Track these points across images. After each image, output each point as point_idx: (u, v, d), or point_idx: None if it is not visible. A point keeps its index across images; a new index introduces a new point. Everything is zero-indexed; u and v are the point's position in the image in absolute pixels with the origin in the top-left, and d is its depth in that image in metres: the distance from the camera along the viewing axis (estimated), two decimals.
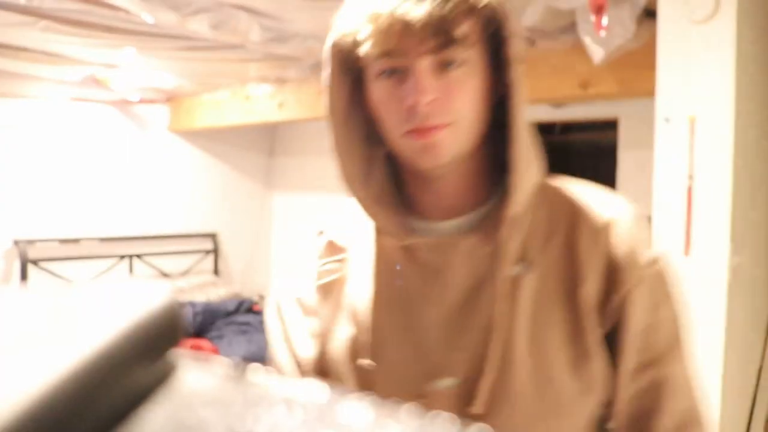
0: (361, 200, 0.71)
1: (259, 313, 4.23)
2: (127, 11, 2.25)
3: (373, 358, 0.69)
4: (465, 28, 0.62)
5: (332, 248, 0.79)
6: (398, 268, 0.71)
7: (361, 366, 0.70)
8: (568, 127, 4.00)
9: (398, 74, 0.65)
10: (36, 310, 0.22)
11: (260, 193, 5.23)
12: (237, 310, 4.10)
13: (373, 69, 0.67)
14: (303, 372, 0.76)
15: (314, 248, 0.81)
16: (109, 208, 4.25)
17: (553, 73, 2.56)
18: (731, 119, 1.61)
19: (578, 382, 0.66)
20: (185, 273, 4.62)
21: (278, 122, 4.06)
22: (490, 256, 0.68)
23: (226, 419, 0.20)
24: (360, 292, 0.73)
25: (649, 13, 1.96)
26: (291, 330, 0.78)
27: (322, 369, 0.76)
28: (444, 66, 0.63)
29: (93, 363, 0.18)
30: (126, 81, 3.70)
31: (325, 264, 0.78)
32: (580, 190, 0.75)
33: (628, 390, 0.68)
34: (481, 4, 0.63)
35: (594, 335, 0.67)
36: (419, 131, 0.64)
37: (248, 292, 5.02)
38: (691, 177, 1.67)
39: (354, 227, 0.77)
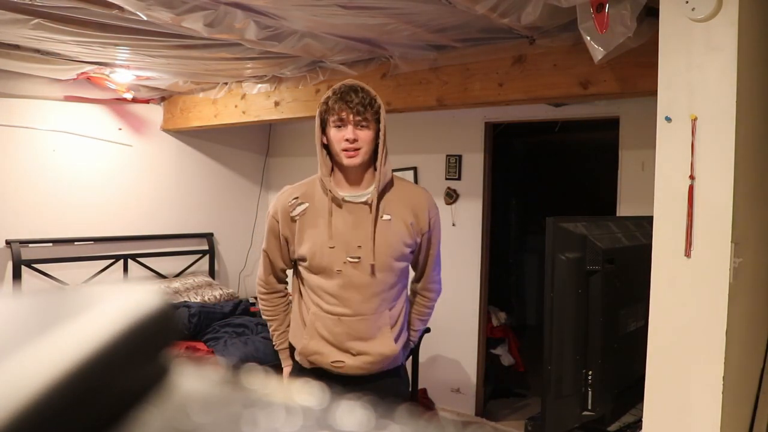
0: (326, 180, 1.77)
1: (255, 314, 4.20)
2: (120, 9, 2.22)
3: (330, 246, 1.76)
4: (367, 114, 1.72)
5: (297, 198, 1.82)
6: (337, 209, 1.78)
7: (327, 246, 1.76)
8: (568, 126, 3.99)
9: (342, 125, 1.73)
10: (28, 312, 0.22)
11: (256, 193, 5.20)
12: (233, 312, 4.07)
13: (334, 121, 1.74)
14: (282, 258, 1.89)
15: (283, 195, 1.85)
16: (103, 209, 4.22)
17: (553, 72, 2.55)
18: (733, 118, 1.59)
19: (406, 258, 1.85)
20: (180, 274, 4.59)
21: (274, 121, 4.03)
22: (373, 208, 1.77)
23: (222, 424, 0.19)
24: (317, 218, 1.79)
25: (650, 11, 1.94)
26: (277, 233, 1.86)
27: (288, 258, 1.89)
28: (360, 125, 1.72)
29: (85, 365, 0.18)
30: (120, 79, 3.67)
31: (293, 206, 1.81)
32: (405, 180, 1.94)
33: (420, 260, 1.94)
34: (373, 108, 1.74)
35: (415, 240, 1.84)
36: (348, 150, 1.73)
37: (244, 293, 4.99)
38: (692, 177, 1.65)
39: (307, 191, 1.83)
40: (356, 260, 1.75)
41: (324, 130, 1.76)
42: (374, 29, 2.55)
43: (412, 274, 2.01)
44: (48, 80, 3.78)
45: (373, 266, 1.75)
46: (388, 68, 3.05)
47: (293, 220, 1.80)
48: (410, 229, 1.81)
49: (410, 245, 1.82)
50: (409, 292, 1.97)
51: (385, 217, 1.77)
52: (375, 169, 1.78)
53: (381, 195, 1.78)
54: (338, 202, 1.77)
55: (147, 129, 4.47)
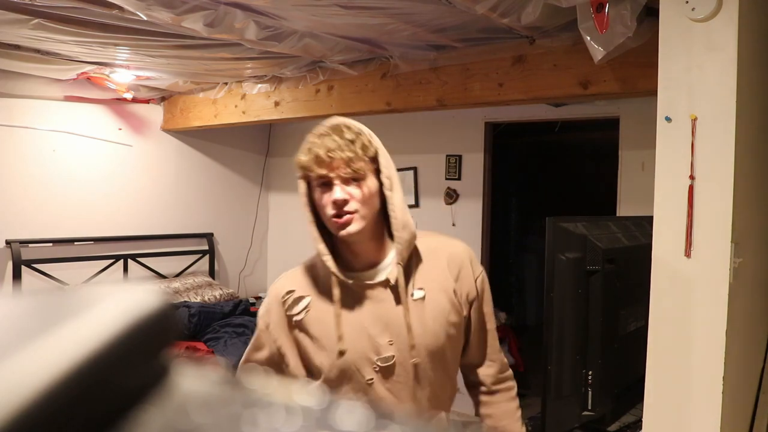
0: (326, 259, 1.26)
1: (255, 314, 4.20)
2: (120, 9, 2.22)
3: (342, 347, 1.25)
4: (359, 163, 1.19)
5: (292, 292, 1.31)
6: (350, 296, 1.28)
7: (339, 350, 1.25)
8: (568, 126, 3.99)
9: (327, 187, 1.21)
10: (28, 312, 0.22)
11: (256, 193, 5.20)
12: (233, 312, 4.08)
13: (316, 182, 1.22)
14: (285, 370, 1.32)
15: (275, 289, 1.35)
16: (103, 209, 4.22)
17: (553, 72, 2.55)
18: (733, 118, 1.60)
19: (456, 342, 1.32)
20: (180, 274, 4.59)
21: (274, 121, 4.03)
22: (399, 288, 1.27)
23: (222, 424, 0.19)
24: (326, 315, 1.27)
25: (650, 11, 1.94)
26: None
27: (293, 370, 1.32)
28: (351, 180, 1.20)
29: (84, 365, 0.18)
30: (120, 79, 3.67)
31: (290, 304, 1.31)
32: (437, 237, 1.39)
33: (474, 343, 1.38)
34: (368, 152, 1.21)
35: (461, 313, 1.31)
36: (338, 217, 1.20)
37: (244, 293, 4.99)
38: (692, 177, 1.65)
39: (306, 280, 1.33)
40: (389, 362, 1.25)
41: (312, 193, 1.25)
42: (374, 29, 2.55)
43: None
44: (48, 80, 3.78)
45: (415, 366, 1.26)
46: (388, 68, 3.05)
47: (294, 325, 1.29)
48: (453, 299, 1.30)
49: (457, 323, 1.30)
50: (477, 395, 1.43)
51: (416, 295, 1.27)
52: (390, 236, 1.28)
53: (405, 268, 1.28)
54: (349, 288, 1.26)
55: (147, 129, 4.47)
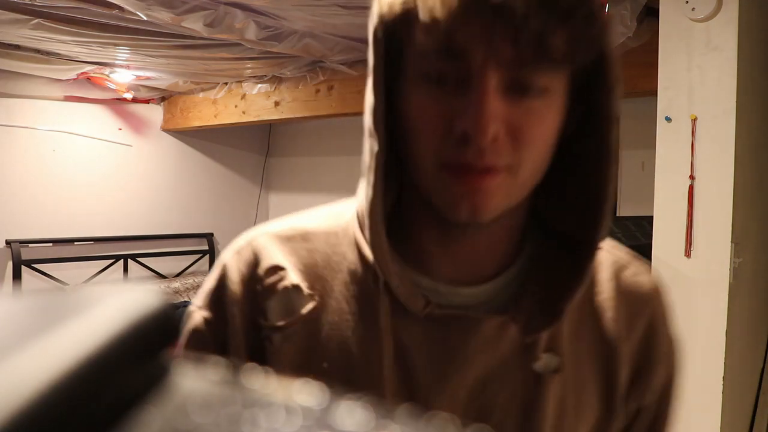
0: (378, 243, 0.51)
1: None
2: (120, 9, 2.23)
3: None
4: (565, 47, 0.41)
5: (280, 275, 0.56)
6: (408, 326, 0.53)
7: None
8: None
9: (455, 83, 0.45)
10: (26, 312, 0.21)
11: (256, 193, 5.20)
12: None
13: (420, 65, 0.46)
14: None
15: (244, 257, 0.59)
16: (103, 209, 4.22)
17: None
18: (733, 118, 1.60)
19: None
20: (180, 274, 4.59)
21: (274, 121, 4.03)
22: (518, 339, 0.52)
23: (222, 424, 0.19)
24: (355, 350, 0.53)
25: (650, 11, 1.95)
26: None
27: None
28: (520, 89, 0.45)
29: (83, 366, 0.18)
30: (120, 79, 3.68)
31: (277, 297, 0.56)
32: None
33: None
34: (591, 30, 0.43)
35: (617, 422, 0.57)
36: (466, 169, 0.45)
37: None
38: (692, 177, 1.65)
39: (320, 259, 0.57)
40: None
41: (393, 87, 0.51)
42: None
43: None
44: (48, 80, 3.78)
45: None
46: None
47: (263, 332, 0.55)
48: (611, 380, 0.56)
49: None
50: None
51: (544, 362, 0.53)
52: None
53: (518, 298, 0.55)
54: (410, 315, 0.53)
55: (147, 129, 4.47)
